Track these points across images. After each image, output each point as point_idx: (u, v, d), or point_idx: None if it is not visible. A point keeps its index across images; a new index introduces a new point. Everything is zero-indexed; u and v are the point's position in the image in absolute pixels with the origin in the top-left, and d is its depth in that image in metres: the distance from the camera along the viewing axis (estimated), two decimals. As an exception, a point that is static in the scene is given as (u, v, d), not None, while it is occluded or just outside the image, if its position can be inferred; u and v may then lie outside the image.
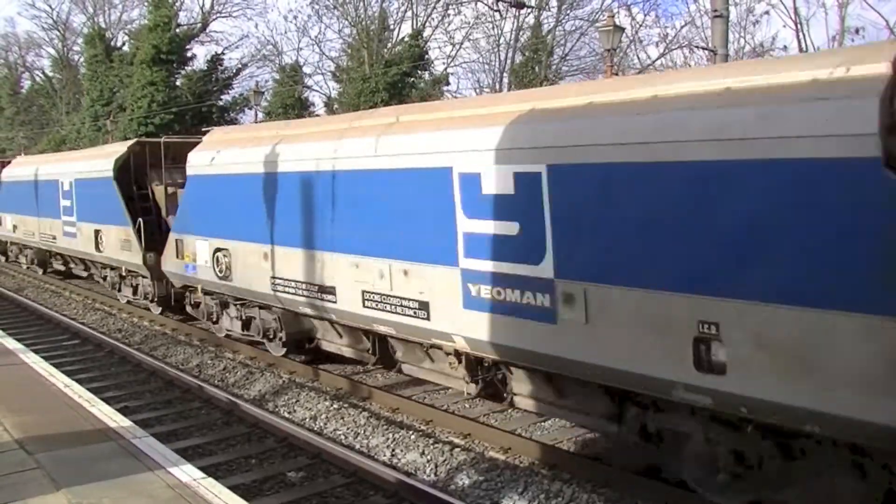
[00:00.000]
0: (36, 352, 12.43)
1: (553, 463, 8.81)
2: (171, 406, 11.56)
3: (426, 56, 41.15)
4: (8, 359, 11.22)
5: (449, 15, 41.04)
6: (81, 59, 62.91)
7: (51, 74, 70.90)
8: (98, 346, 15.61)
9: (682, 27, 33.63)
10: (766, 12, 29.79)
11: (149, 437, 7.75)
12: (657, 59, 32.06)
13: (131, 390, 12.41)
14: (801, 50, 28.38)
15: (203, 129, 16.24)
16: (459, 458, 9.10)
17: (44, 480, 6.40)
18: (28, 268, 27.76)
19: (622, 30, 23.31)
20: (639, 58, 34.14)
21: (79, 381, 10.44)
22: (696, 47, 28.88)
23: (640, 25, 33.31)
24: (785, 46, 30.06)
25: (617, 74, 25.32)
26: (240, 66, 54.79)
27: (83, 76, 59.67)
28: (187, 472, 6.65)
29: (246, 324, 13.89)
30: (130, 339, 16.54)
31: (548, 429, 10.07)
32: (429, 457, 9.21)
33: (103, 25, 60.67)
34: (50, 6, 67.65)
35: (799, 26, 28.71)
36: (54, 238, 22.93)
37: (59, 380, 9.98)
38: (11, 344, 12.32)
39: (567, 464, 8.74)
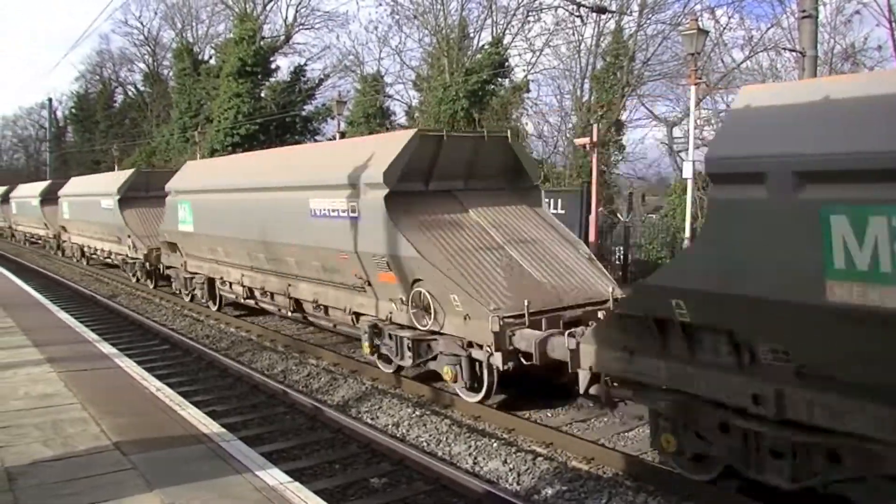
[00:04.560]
0: (129, 356, 12.82)
1: (637, 474, 8.65)
2: (256, 410, 11.77)
3: (506, 63, 41.01)
4: (104, 362, 11.63)
5: (529, 22, 40.80)
6: (171, 73, 65.25)
7: (142, 88, 73.75)
8: (187, 352, 16.04)
9: (767, 29, 32.69)
10: (857, 11, 28.56)
11: (237, 440, 7.90)
12: (742, 63, 31.19)
13: (219, 394, 12.69)
14: (896, 50, 27.18)
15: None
16: (542, 467, 9.02)
17: (138, 481, 6.59)
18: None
19: (706, 33, 22.72)
20: (723, 61, 33.29)
21: (169, 385, 10.74)
22: (784, 49, 27.94)
23: (725, 28, 32.42)
24: (879, 47, 28.77)
25: (701, 79, 24.83)
26: (322, 76, 55.91)
27: (172, 89, 61.79)
28: (274, 476, 6.76)
29: None
30: (217, 345, 16.96)
31: (632, 439, 9.92)
32: (511, 465, 9.15)
33: (191, 40, 62.90)
34: (141, 23, 70.86)
35: (894, 25, 27.44)
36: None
37: (151, 383, 10.29)
38: (107, 348, 12.76)
39: (652, 476, 8.57)
